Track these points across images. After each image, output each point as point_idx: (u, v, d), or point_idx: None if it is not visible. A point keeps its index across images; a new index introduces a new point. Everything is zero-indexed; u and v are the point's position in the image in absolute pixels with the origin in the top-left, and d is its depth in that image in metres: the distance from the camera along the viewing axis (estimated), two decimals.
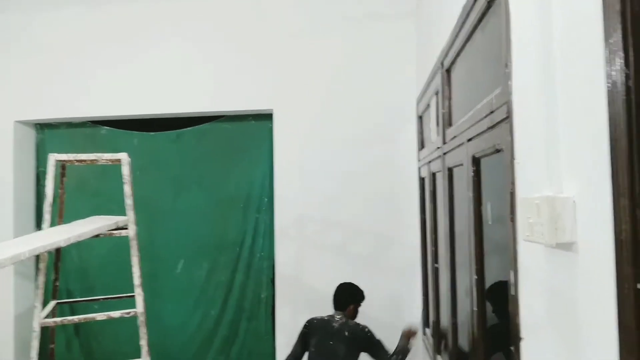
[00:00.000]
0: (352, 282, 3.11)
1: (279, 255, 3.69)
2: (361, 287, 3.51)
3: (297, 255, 3.66)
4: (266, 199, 3.85)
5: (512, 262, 1.22)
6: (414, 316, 3.43)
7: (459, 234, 2.04)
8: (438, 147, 2.34)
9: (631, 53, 0.67)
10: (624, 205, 0.71)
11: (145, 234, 3.77)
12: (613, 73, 0.71)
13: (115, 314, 2.47)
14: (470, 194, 1.67)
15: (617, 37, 0.69)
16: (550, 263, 0.99)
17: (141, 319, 2.49)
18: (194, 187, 3.90)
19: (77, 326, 3.99)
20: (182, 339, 3.88)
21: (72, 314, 3.82)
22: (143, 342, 2.51)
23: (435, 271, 2.62)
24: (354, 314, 3.06)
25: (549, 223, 0.89)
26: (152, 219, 3.88)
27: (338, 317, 2.96)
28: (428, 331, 3.10)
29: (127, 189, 2.57)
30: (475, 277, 1.63)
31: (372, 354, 2.88)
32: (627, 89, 0.68)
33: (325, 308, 3.56)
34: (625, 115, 0.69)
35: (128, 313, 2.48)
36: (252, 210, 3.87)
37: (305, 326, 2.98)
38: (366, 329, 2.91)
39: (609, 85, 0.72)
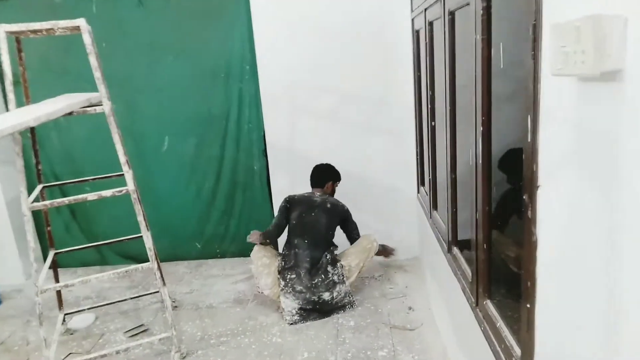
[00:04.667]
0: (326, 163, 3.25)
1: (268, 125, 3.57)
2: (356, 151, 3.49)
3: (287, 124, 3.53)
4: (248, 67, 3.60)
5: (531, 104, 1.10)
6: (409, 177, 3.45)
7: (461, 86, 1.90)
8: None
9: None
10: None
11: (124, 112, 3.58)
12: None
13: (107, 193, 2.40)
14: (478, 37, 1.49)
15: None
16: (584, 98, 0.86)
17: (134, 197, 2.43)
18: (169, 58, 3.61)
19: (72, 210, 4.00)
20: (180, 213, 3.92)
21: (63, 193, 3.81)
22: (140, 219, 2.48)
23: (432, 129, 2.53)
24: (332, 191, 3.23)
25: (594, 48, 0.74)
26: (129, 95, 3.66)
27: (318, 193, 3.14)
28: (423, 189, 3.13)
29: (93, 60, 2.31)
30: (480, 128, 1.52)
31: (345, 227, 3.12)
32: None
33: None
34: None
35: (120, 191, 2.41)
36: (234, 79, 3.64)
37: (285, 201, 3.14)
38: (346, 207, 3.12)
39: None
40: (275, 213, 3.61)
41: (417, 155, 3.27)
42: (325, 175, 3.18)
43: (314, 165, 3.23)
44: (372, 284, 3.23)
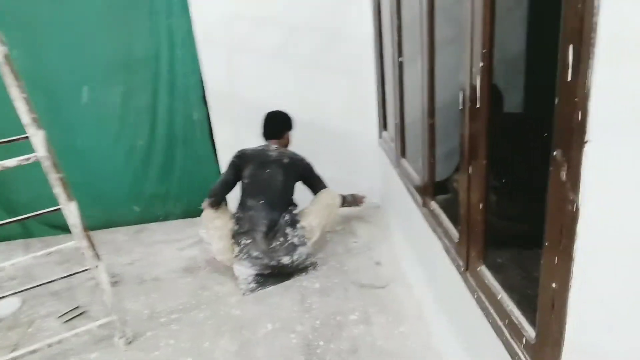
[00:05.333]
0: (280, 109, 2.82)
1: (206, 68, 3.10)
2: (308, 93, 3.13)
3: (227, 65, 3.08)
4: None
5: (576, 31, 0.80)
6: (368, 120, 3.15)
7: (445, 10, 1.58)
8: None
9: None
10: None
11: (27, 59, 3.01)
12: None
13: (10, 162, 1.93)
14: None
15: None
16: None
17: (47, 164, 1.97)
18: None
19: None
20: (111, 174, 3.46)
21: None
22: (58, 190, 2.04)
23: (399, 66, 2.21)
24: (288, 142, 2.86)
25: None
26: (31, 38, 3.04)
27: (274, 146, 2.76)
28: (386, 134, 2.86)
29: None
30: (480, 63, 1.23)
31: (309, 183, 2.81)
32: None
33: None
34: None
35: (27, 159, 1.95)
36: (160, 14, 3.09)
37: (236, 156, 2.75)
38: (307, 161, 2.79)
39: None
40: (222, 168, 3.25)
41: (378, 96, 2.96)
42: (281, 124, 2.80)
43: (265, 113, 2.82)
44: (334, 239, 3.01)
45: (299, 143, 3.19)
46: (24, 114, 1.93)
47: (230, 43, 3.01)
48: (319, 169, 2.97)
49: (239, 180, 2.74)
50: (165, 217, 3.62)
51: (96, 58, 3.15)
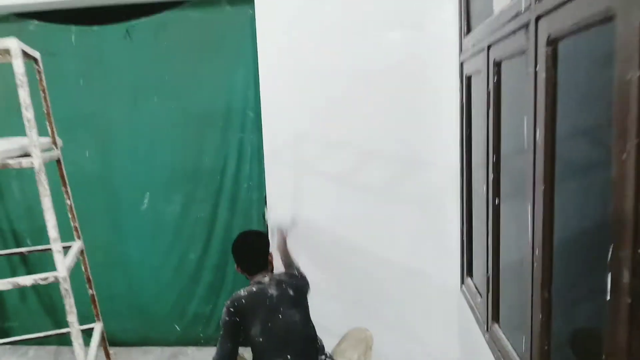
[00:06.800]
0: (248, 229, 2.40)
1: (271, 186, 2.86)
2: (376, 223, 2.76)
3: (293, 185, 2.83)
4: (252, 114, 2.96)
5: None
6: (447, 263, 2.67)
7: (566, 151, 1.18)
8: (516, 15, 1.39)
9: None
10: None
11: (98, 161, 3.02)
12: None
13: (25, 280, 1.68)
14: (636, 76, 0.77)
15: None
16: None
17: (64, 287, 1.69)
18: (156, 99, 2.99)
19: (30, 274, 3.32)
20: (158, 286, 3.20)
21: (25, 262, 3.20)
22: (72, 319, 1.74)
23: (496, 209, 1.78)
24: (272, 264, 2.29)
25: None
26: (105, 141, 3.04)
27: (266, 279, 2.13)
28: (471, 282, 2.34)
29: (24, 95, 1.63)
30: None
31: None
32: None
33: (327, 247, 2.82)
34: None
35: (44, 279, 1.69)
36: (234, 128, 2.99)
37: (231, 314, 2.03)
38: (298, 271, 2.31)
39: None
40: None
41: (462, 237, 2.50)
42: (266, 248, 2.24)
43: (240, 241, 2.27)
44: None
45: (361, 277, 2.78)
46: (51, 227, 1.72)
47: (297, 162, 2.79)
48: (382, 310, 2.49)
49: (240, 342, 2.07)
50: (207, 341, 3.23)
51: (163, 166, 3.06)
